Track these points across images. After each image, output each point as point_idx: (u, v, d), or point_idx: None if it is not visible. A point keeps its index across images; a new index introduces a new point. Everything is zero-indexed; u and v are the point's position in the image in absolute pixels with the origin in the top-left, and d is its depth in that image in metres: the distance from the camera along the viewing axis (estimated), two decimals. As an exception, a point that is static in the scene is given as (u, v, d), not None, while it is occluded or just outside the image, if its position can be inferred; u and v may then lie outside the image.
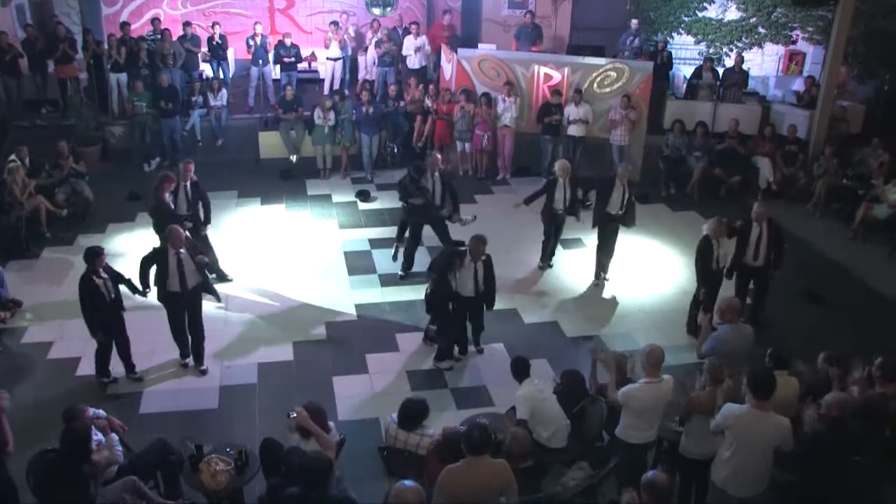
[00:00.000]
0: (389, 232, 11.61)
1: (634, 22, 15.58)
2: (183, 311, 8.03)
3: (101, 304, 7.51)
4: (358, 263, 10.63)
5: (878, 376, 6.05)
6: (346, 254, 10.91)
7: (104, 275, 7.55)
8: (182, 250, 7.74)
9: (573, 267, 10.64)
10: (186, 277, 7.78)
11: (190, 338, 8.19)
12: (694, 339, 8.45)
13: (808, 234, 12.00)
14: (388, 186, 13.47)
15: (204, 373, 8.19)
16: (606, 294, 10.00)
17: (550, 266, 10.58)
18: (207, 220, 9.84)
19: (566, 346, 8.90)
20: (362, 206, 12.70)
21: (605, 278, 10.19)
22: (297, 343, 8.74)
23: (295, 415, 5.74)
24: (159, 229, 8.89)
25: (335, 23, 15.43)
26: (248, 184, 13.29)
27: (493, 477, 5.07)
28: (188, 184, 9.52)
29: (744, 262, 8.99)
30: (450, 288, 8.08)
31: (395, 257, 10.36)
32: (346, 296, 9.79)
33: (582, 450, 6.41)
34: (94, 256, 7.49)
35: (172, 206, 9.27)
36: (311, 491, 4.88)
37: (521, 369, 6.56)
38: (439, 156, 10.53)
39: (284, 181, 13.51)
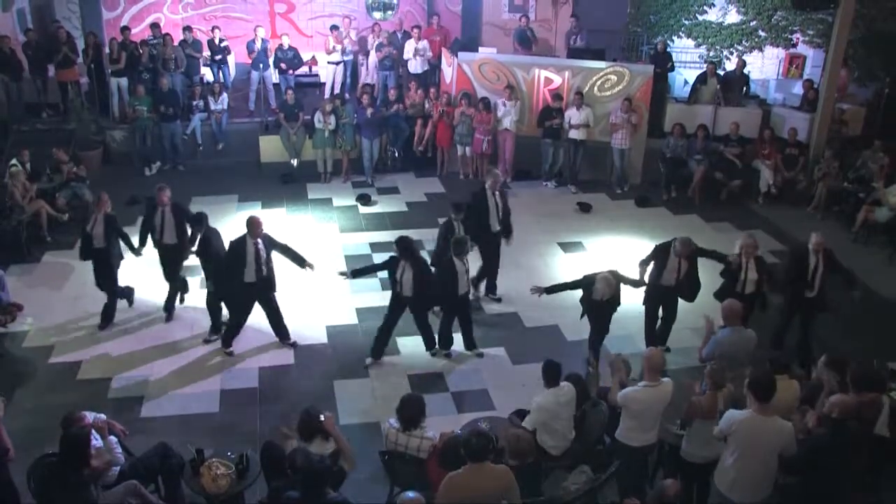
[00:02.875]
0: (390, 235, 11.58)
1: (573, 20, 15.63)
2: (253, 302, 8.31)
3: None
4: (359, 267, 10.61)
5: (850, 382, 5.94)
6: (346, 257, 10.90)
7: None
8: (260, 241, 7.99)
9: (574, 270, 10.61)
10: (262, 267, 8.03)
11: (272, 326, 8.65)
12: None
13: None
14: (388, 190, 13.51)
15: (294, 346, 8.69)
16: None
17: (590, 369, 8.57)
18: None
19: (567, 350, 8.88)
20: (363, 209, 12.71)
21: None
22: (298, 347, 8.74)
23: (324, 419, 5.81)
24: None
25: (336, 27, 15.46)
26: (249, 188, 13.31)
27: (494, 483, 5.06)
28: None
29: (802, 294, 8.31)
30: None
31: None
32: (346, 300, 9.79)
33: (583, 454, 6.41)
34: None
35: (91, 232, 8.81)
36: (310, 495, 4.87)
37: (552, 375, 6.35)
38: (500, 172, 9.91)
39: (285, 185, 13.53)
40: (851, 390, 5.89)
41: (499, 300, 9.86)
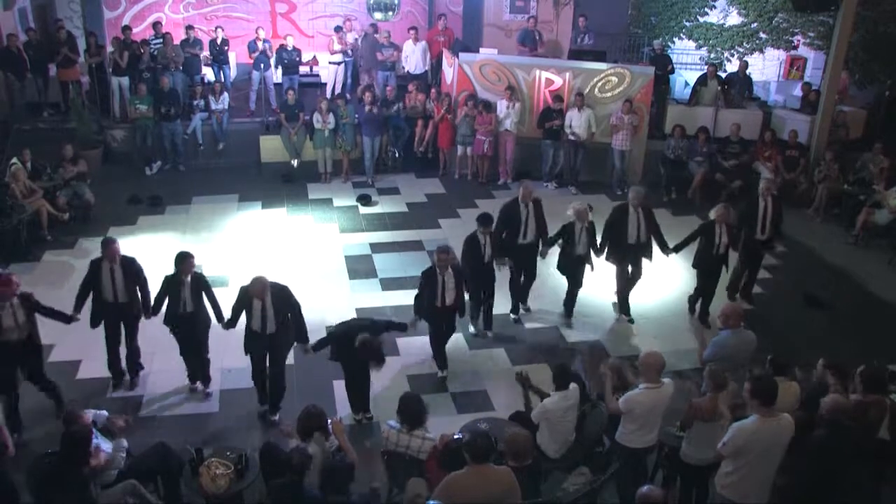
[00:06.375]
0: (390, 236, 11.64)
1: (581, 19, 15.58)
2: (262, 354, 7.55)
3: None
4: (359, 267, 10.63)
5: (858, 383, 6.00)
6: (346, 258, 10.91)
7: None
8: (267, 297, 7.26)
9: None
10: (267, 323, 7.33)
11: (268, 384, 7.68)
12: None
13: (809, 239, 12.01)
14: (389, 191, 13.51)
15: (275, 422, 7.53)
16: (607, 300, 10.00)
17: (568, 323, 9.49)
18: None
19: (567, 352, 8.89)
20: (363, 209, 12.72)
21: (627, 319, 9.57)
22: (297, 347, 8.72)
23: (331, 422, 5.80)
24: None
25: (340, 28, 15.44)
26: (250, 188, 13.32)
27: (496, 484, 5.05)
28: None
29: (752, 236, 9.52)
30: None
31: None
32: (346, 300, 9.78)
33: (582, 455, 6.41)
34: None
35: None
36: (334, 495, 4.86)
37: (561, 378, 6.36)
38: (530, 183, 9.52)
39: (286, 185, 13.53)
40: (859, 391, 5.90)
41: (527, 309, 9.65)
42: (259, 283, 7.23)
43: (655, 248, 9.34)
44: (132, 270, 7.78)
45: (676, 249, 9.39)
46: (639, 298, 10.01)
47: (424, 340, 8.57)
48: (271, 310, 7.30)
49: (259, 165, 14.23)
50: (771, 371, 6.21)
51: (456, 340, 8.90)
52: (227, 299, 8.66)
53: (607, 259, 9.32)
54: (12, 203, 10.71)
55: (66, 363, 8.35)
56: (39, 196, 11.08)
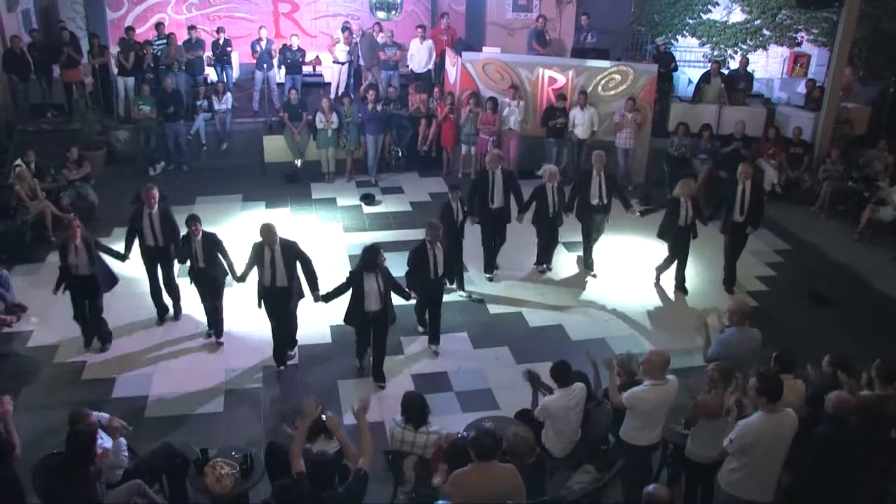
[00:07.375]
0: (394, 235, 11.63)
1: (584, 18, 15.58)
2: (271, 307, 8.20)
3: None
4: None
5: (875, 376, 6.02)
6: (350, 257, 10.89)
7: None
8: (276, 247, 7.90)
9: (577, 269, 10.63)
10: (276, 275, 7.96)
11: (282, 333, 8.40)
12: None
13: (814, 236, 11.98)
14: (392, 190, 13.52)
15: (290, 358, 8.53)
16: (610, 296, 10.00)
17: (546, 270, 10.67)
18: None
19: (571, 349, 8.86)
20: (367, 209, 12.72)
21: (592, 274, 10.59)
22: (303, 347, 8.74)
23: (326, 418, 5.79)
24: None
25: (347, 28, 15.41)
26: (253, 188, 13.33)
27: (501, 482, 5.06)
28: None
29: (731, 219, 9.85)
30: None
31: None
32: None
33: (587, 453, 6.40)
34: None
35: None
36: (321, 490, 4.87)
37: (561, 375, 6.33)
38: (497, 151, 10.67)
39: (289, 185, 13.54)
40: (877, 386, 5.89)
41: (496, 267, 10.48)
42: (268, 226, 7.88)
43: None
44: (168, 218, 8.76)
45: (643, 214, 10.47)
46: (642, 297, 10.03)
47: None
48: (281, 261, 7.87)
49: (262, 165, 14.24)
50: (776, 368, 6.19)
51: (460, 340, 8.93)
52: (229, 299, 8.73)
53: (576, 217, 10.37)
54: (16, 204, 10.73)
55: (71, 363, 8.36)
56: (44, 199, 11.11)
